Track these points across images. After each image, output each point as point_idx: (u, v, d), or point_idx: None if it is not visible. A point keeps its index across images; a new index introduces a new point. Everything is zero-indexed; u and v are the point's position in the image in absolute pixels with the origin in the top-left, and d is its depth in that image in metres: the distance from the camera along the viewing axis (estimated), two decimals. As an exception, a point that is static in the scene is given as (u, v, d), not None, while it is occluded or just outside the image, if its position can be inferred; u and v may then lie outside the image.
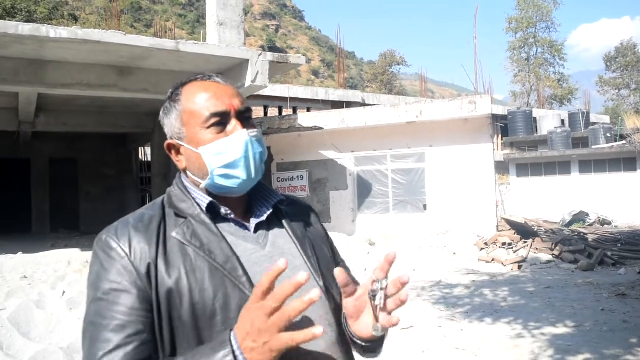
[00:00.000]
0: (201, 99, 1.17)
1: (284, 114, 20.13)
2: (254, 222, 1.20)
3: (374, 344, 1.16)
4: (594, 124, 23.78)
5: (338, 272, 1.05)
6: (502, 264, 10.55)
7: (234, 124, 1.17)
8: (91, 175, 18.91)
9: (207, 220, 1.14)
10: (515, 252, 11.29)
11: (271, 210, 1.23)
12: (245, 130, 1.17)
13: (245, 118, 1.20)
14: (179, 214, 1.15)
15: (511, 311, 6.80)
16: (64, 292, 6.80)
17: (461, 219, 13.14)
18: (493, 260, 10.91)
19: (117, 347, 1.01)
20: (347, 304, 1.09)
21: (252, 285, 1.08)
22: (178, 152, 1.22)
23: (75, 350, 4.94)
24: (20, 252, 9.52)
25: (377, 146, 14.26)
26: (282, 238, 1.21)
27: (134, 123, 15.20)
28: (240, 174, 1.16)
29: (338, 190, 14.69)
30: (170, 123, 1.22)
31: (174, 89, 1.24)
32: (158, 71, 10.37)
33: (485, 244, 12.11)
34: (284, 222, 1.23)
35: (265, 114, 20.89)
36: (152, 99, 11.43)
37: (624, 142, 19.67)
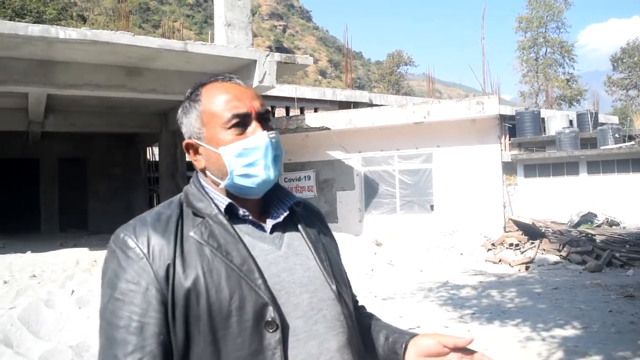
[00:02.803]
0: (222, 100, 1.18)
1: (291, 114, 20.16)
2: (270, 223, 1.21)
3: None
4: (603, 124, 23.63)
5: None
6: (510, 264, 10.52)
7: (254, 125, 1.18)
8: (100, 175, 19.02)
9: (225, 221, 1.15)
10: (522, 253, 11.26)
11: (287, 212, 1.24)
12: (265, 132, 1.18)
13: (264, 120, 1.21)
14: (196, 214, 1.16)
15: (518, 312, 6.78)
16: (72, 291, 6.85)
17: (468, 219, 13.10)
18: (500, 261, 10.87)
19: (135, 349, 1.02)
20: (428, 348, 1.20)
21: (267, 287, 1.09)
22: (196, 152, 1.23)
23: (84, 348, 4.97)
24: (29, 251, 9.59)
25: (384, 147, 14.25)
26: (296, 240, 1.22)
27: (142, 123, 15.28)
28: (260, 174, 1.17)
29: (345, 190, 14.69)
30: (190, 123, 1.22)
31: (194, 88, 1.24)
32: (166, 72, 10.41)
33: (493, 244, 12.07)
34: (298, 224, 1.25)
35: (273, 114, 20.92)
36: (160, 100, 11.49)
37: (632, 142, 19.56)
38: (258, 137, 1.17)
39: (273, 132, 1.20)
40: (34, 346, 5.07)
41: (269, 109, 1.24)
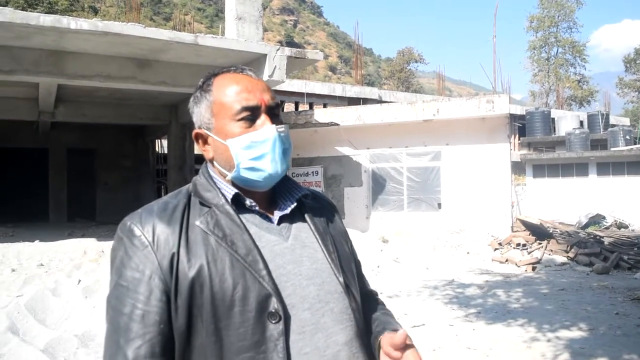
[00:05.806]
0: (233, 92, 1.18)
1: (300, 109, 20.15)
2: (277, 214, 1.21)
3: None
4: (614, 125, 23.45)
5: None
6: (516, 264, 10.48)
7: (263, 118, 1.17)
8: (108, 166, 19.11)
9: (231, 211, 1.14)
10: (529, 253, 11.21)
11: (295, 204, 1.24)
12: (274, 125, 1.17)
13: (274, 114, 1.20)
14: (203, 203, 1.16)
15: (524, 312, 6.75)
16: (79, 281, 6.89)
17: (476, 218, 13.06)
18: (507, 260, 10.84)
19: (137, 336, 1.03)
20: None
21: (271, 278, 1.09)
22: (205, 142, 1.23)
23: (90, 338, 5.01)
24: (37, 240, 9.66)
25: (392, 143, 14.22)
26: (304, 231, 1.22)
27: (151, 115, 15.33)
28: (267, 168, 1.16)
29: (353, 186, 14.68)
30: (200, 112, 1.22)
31: (206, 79, 1.24)
32: (176, 64, 10.43)
33: (500, 244, 12.03)
34: (306, 216, 1.24)
35: (282, 109, 20.90)
36: (170, 92, 11.51)
37: (643, 144, 19.40)
38: (266, 131, 1.16)
39: (282, 126, 1.20)
40: (40, 334, 5.11)
41: (279, 102, 1.23)
